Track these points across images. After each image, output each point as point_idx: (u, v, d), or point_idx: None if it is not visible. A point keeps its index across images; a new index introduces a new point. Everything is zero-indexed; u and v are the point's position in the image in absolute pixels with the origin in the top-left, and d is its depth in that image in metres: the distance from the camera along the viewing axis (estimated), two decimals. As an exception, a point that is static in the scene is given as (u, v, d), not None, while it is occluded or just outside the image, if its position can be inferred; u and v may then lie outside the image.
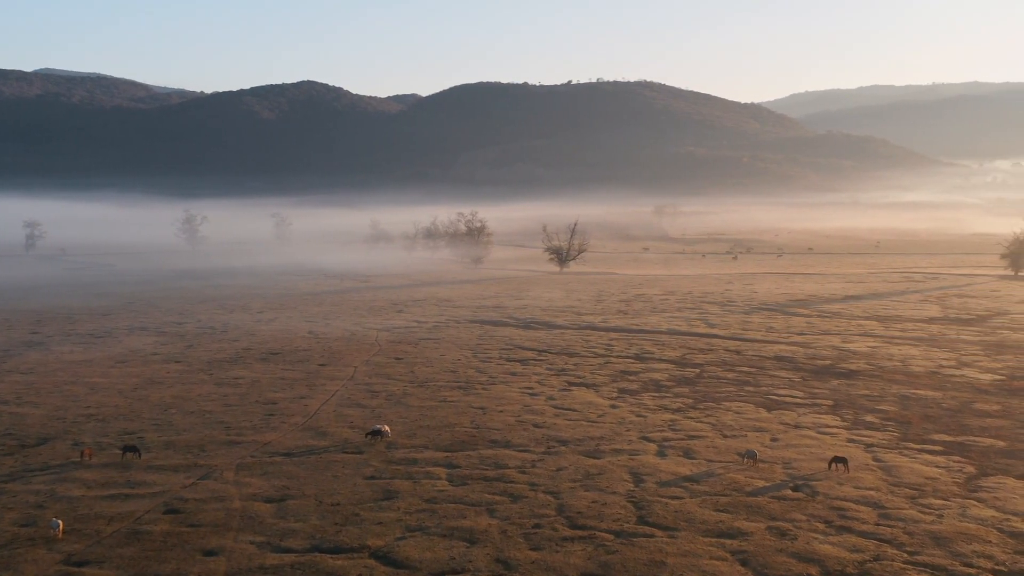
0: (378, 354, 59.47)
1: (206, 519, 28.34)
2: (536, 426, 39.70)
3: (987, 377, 48.91)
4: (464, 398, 45.71)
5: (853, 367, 52.45)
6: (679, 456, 34.76)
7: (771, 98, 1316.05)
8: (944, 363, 53.17)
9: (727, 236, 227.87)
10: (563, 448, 36.08)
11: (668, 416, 41.36)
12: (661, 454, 35.09)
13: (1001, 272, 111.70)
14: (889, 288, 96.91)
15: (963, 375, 49.66)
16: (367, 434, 37.89)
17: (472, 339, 65.48)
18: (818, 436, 37.45)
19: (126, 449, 35.27)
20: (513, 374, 52.26)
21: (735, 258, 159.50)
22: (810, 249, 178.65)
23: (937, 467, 32.76)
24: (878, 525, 27.08)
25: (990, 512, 27.99)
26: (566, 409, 43.06)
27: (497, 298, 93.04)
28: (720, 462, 33.92)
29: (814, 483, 31.03)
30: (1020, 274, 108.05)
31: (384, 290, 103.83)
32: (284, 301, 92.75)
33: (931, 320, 71.35)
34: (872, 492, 30.00)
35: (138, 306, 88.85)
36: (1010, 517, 27.53)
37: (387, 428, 38.36)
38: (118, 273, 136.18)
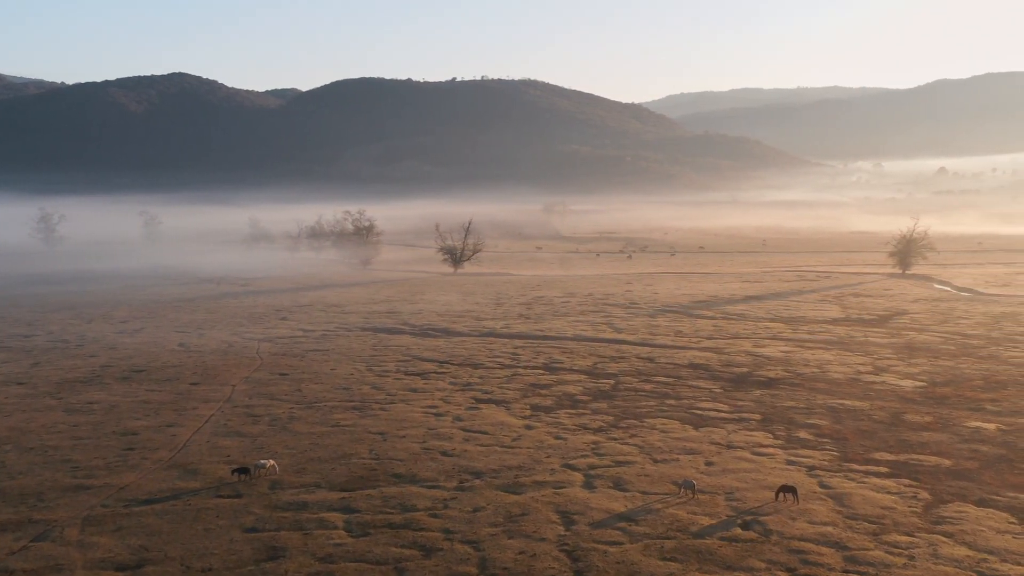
0: (260, 369, 53.22)
1: (34, 603, 22.27)
2: (445, 454, 35.00)
3: (908, 384, 47.27)
4: (360, 421, 40.44)
5: (772, 375, 50.10)
6: (609, 488, 30.77)
7: (650, 99, 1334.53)
8: (861, 369, 51.52)
9: (618, 234, 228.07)
10: (478, 482, 31.53)
11: (590, 437, 37.40)
12: (589, 486, 31.02)
13: (889, 270, 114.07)
14: (786, 287, 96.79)
15: (884, 382, 47.92)
16: (234, 471, 32.13)
17: (365, 350, 59.91)
18: (754, 458, 34.26)
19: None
20: (414, 390, 47.25)
21: (629, 257, 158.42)
22: (701, 248, 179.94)
23: (889, 493, 29.96)
24: (847, 573, 23.75)
25: (963, 551, 25.14)
26: (477, 432, 38.50)
27: (390, 303, 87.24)
28: (656, 494, 30.10)
29: (764, 518, 27.61)
30: (908, 272, 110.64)
31: (266, 295, 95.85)
32: (152, 309, 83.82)
33: (835, 321, 70.51)
34: (830, 528, 26.79)
35: (-22, 316, 78.36)
36: (987, 556, 24.76)
37: (272, 463, 32.78)
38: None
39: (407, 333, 67.42)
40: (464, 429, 38.96)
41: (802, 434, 37.68)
